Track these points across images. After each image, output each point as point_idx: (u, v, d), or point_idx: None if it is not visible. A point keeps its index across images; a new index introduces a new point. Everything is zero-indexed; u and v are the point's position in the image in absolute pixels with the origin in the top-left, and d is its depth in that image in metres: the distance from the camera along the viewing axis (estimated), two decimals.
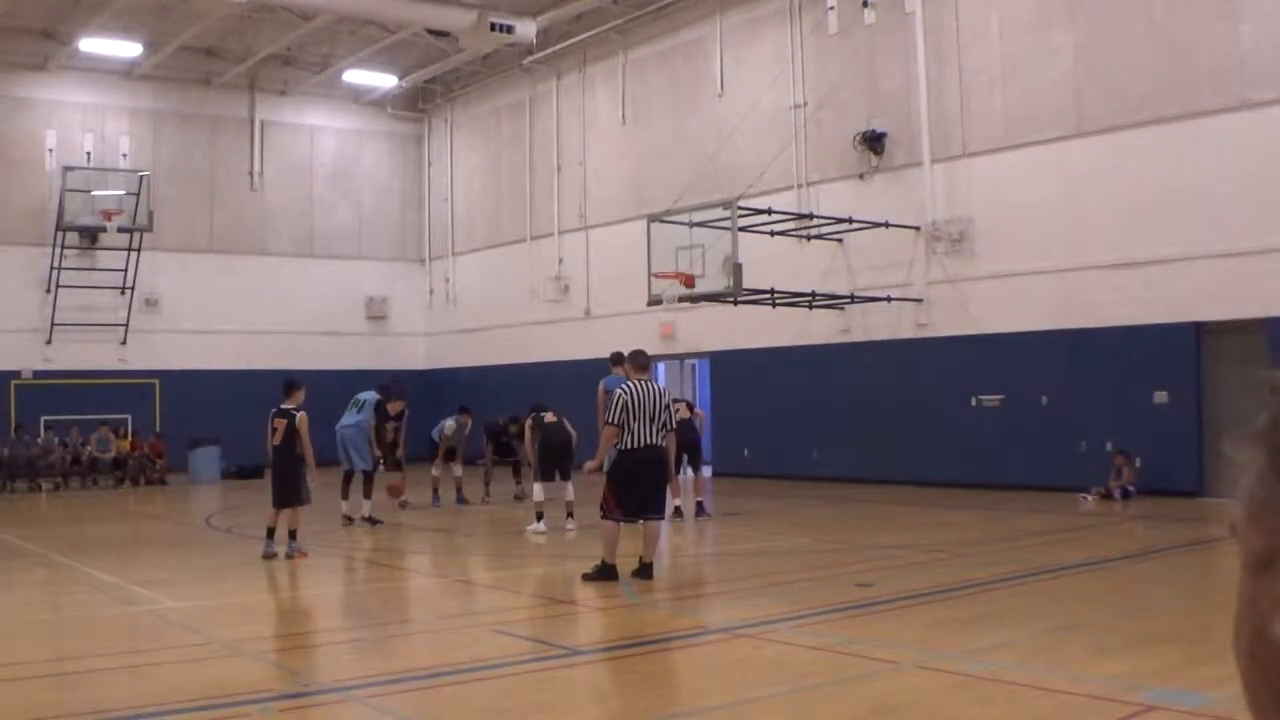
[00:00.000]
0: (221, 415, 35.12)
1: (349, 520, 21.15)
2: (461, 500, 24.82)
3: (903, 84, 27.59)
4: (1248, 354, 21.53)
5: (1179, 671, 8.55)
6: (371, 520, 21.12)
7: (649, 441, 13.79)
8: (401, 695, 8.88)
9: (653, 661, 10.06)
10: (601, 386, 20.20)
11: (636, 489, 13.87)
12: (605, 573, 13.81)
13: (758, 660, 9.80)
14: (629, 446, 13.80)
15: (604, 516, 13.94)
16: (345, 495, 21.35)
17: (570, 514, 19.55)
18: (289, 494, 16.77)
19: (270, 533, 16.78)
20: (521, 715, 8.25)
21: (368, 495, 21.34)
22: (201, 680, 9.33)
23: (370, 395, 22.06)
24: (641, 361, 14.51)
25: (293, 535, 16.76)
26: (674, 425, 14.57)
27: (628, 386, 13.96)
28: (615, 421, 13.74)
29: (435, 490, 24.86)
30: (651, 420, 13.78)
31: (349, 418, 21.72)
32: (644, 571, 13.95)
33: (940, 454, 26.46)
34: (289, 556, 16.53)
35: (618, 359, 22.23)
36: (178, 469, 33.92)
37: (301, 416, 16.84)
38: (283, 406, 17.07)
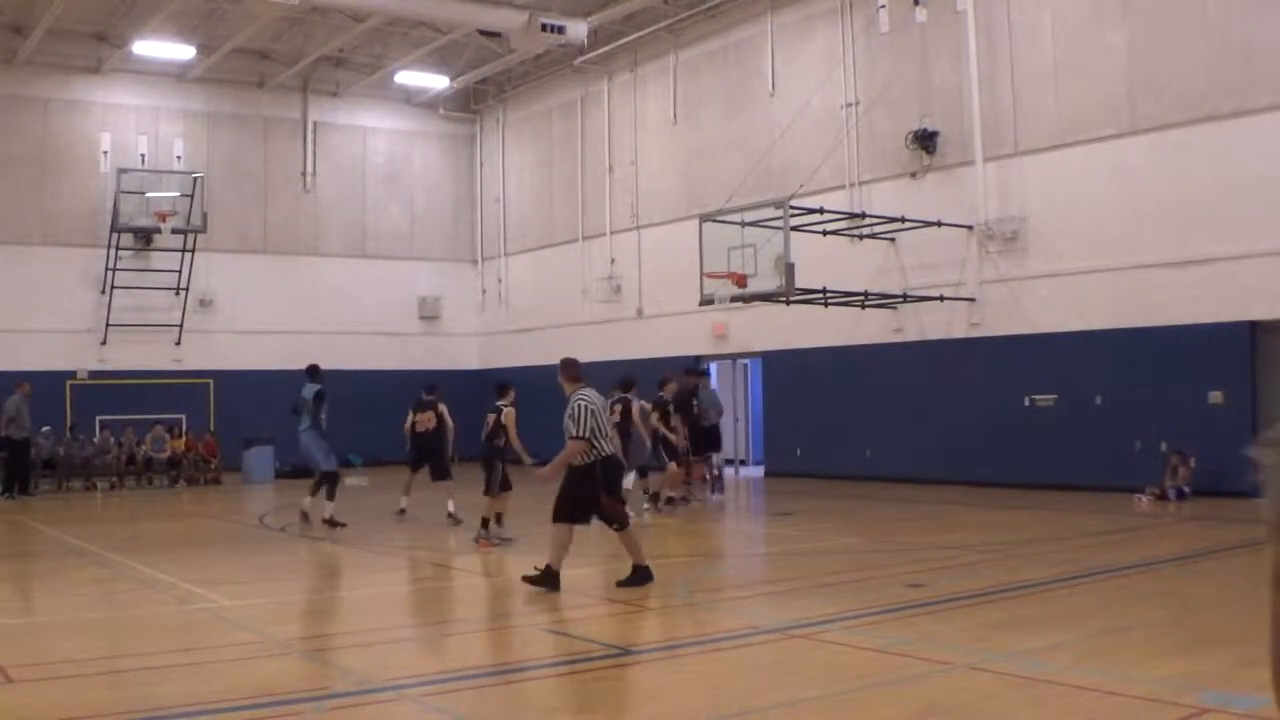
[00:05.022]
0: (275, 415, 35.28)
1: (306, 518, 20.97)
2: None
3: (955, 82, 27.51)
4: None
5: (1233, 674, 8.50)
6: (333, 522, 20.55)
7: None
8: (454, 694, 8.90)
9: (704, 661, 10.06)
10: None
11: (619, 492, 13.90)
12: (641, 575, 13.67)
13: (810, 661, 9.79)
14: (610, 453, 13.59)
15: (623, 527, 13.66)
16: (314, 493, 21.30)
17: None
18: (491, 484, 18.61)
19: (485, 523, 18.29)
20: (573, 715, 8.27)
21: (330, 497, 20.89)
22: (255, 678, 9.39)
23: (309, 391, 21.51)
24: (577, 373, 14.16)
25: (485, 524, 18.16)
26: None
27: (591, 395, 13.66)
28: (581, 434, 13.32)
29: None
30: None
31: (301, 423, 21.48)
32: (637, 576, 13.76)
33: (993, 454, 26.38)
34: (476, 542, 17.79)
35: (663, 382, 22.53)
36: (232, 469, 34.15)
37: (509, 412, 18.91)
38: (497, 404, 19.16)
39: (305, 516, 21.06)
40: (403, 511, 21.94)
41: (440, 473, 21.77)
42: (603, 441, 13.36)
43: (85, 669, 9.95)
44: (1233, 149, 22.68)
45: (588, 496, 13.37)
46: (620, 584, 13.57)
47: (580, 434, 13.19)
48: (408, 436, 22.16)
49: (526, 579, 13.37)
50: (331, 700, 8.59)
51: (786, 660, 9.89)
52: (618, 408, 21.49)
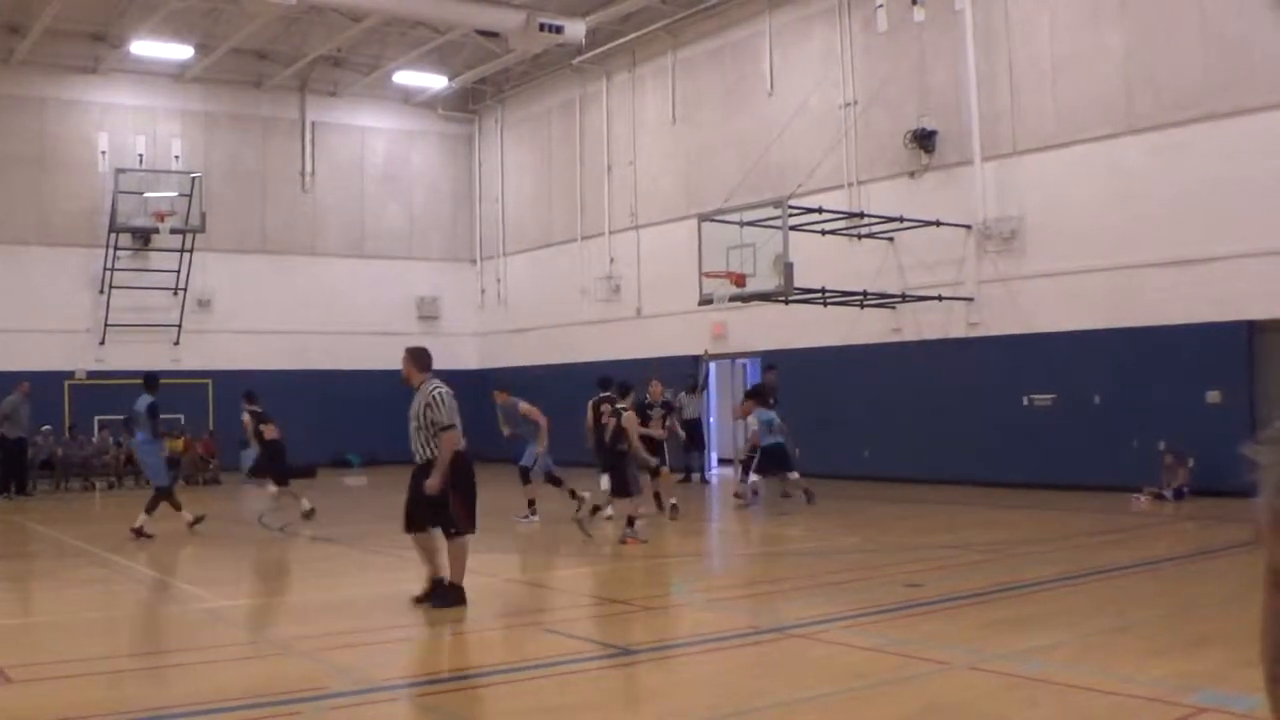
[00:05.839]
0: (273, 415, 35.24)
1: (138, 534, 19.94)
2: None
3: (952, 81, 27.51)
4: None
5: (1230, 674, 8.49)
6: (140, 532, 19.81)
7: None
8: (452, 694, 8.91)
9: (704, 661, 10.06)
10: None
11: (475, 494, 12.74)
12: (454, 595, 12.53)
13: (809, 660, 9.79)
14: (465, 448, 12.66)
15: (459, 534, 12.52)
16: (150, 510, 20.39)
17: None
18: (631, 484, 18.39)
19: (631, 521, 17.97)
20: (572, 715, 8.26)
21: (150, 511, 20.14)
22: (252, 678, 9.39)
23: (142, 404, 20.62)
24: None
25: (630, 523, 17.81)
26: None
27: (442, 384, 12.70)
28: (454, 422, 12.40)
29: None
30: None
31: (136, 435, 21.15)
32: (450, 596, 12.55)
33: (992, 453, 26.38)
34: (622, 542, 17.52)
35: (625, 390, 22.30)
36: (230, 468, 34.12)
37: (629, 416, 18.82)
38: (617, 407, 19.02)
39: (144, 534, 20.02)
40: (313, 511, 22.44)
41: (288, 475, 23.29)
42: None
43: (83, 669, 9.95)
44: (1230, 148, 22.67)
45: (438, 497, 12.35)
46: (425, 602, 12.46)
47: (451, 421, 12.28)
48: (257, 443, 23.28)
49: (428, 604, 12.37)
50: (329, 700, 8.59)
51: (785, 660, 9.90)
52: (605, 408, 21.25)
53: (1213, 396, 22.87)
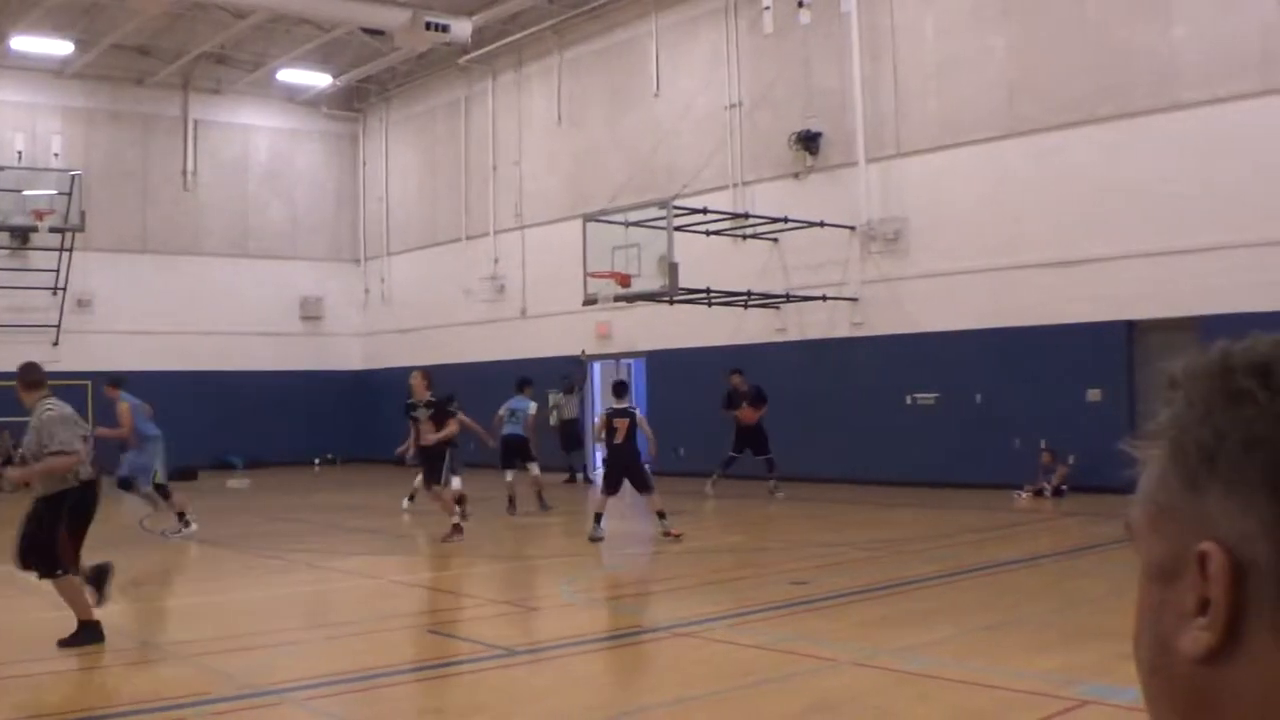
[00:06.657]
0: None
1: None
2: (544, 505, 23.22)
3: (838, 84, 27.67)
4: (1178, 351, 21.55)
5: (1112, 666, 8.60)
6: None
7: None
8: (337, 697, 8.83)
9: (590, 661, 10.05)
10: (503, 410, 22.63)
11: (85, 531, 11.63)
12: (89, 633, 10.85)
13: (696, 659, 9.81)
14: (90, 477, 11.56)
15: (64, 573, 11.16)
16: None
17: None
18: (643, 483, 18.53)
19: (598, 518, 18.00)
20: (457, 716, 8.23)
21: None
22: (135, 684, 9.26)
23: None
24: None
25: (661, 515, 17.99)
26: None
27: (59, 404, 11.54)
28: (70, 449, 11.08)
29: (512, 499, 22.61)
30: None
31: None
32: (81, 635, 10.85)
33: (876, 452, 26.54)
34: (665, 535, 17.73)
35: (523, 384, 22.23)
36: (111, 471, 33.60)
37: (641, 417, 19.06)
38: (616, 407, 18.87)
39: None
40: None
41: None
42: (83, 464, 11.24)
43: None
44: (1111, 152, 23.00)
45: (49, 531, 11.15)
46: (62, 643, 10.66)
47: (63, 448, 11.03)
48: None
49: (62, 643, 10.64)
50: (213, 705, 8.48)
51: (672, 659, 9.91)
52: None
53: (1093, 395, 23.20)
